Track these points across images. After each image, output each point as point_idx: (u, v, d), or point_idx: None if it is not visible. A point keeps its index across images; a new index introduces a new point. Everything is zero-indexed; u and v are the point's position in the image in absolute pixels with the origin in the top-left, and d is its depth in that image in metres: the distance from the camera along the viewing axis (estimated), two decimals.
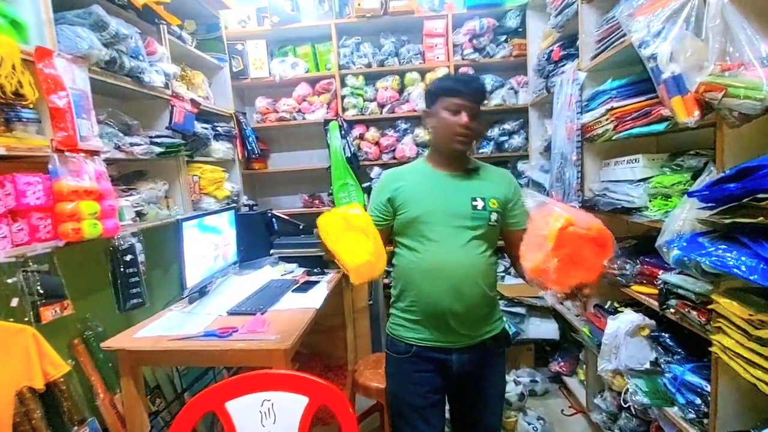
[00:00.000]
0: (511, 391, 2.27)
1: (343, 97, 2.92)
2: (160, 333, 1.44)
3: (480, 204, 1.18)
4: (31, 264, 1.20)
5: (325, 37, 2.89)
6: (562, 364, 2.48)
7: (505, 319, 2.46)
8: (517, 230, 1.20)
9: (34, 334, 1.12)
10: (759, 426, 1.09)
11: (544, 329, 2.53)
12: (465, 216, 1.17)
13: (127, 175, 1.84)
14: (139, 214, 1.70)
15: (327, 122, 2.84)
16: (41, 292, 1.20)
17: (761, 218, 0.85)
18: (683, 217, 1.12)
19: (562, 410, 2.31)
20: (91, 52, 1.37)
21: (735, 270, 0.91)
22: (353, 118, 2.92)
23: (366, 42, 2.90)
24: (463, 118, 1.14)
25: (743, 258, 0.91)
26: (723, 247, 0.96)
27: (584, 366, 2.18)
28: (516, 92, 2.88)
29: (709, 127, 1.09)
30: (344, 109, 2.92)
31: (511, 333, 2.46)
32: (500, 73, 2.90)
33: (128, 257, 1.50)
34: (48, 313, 1.20)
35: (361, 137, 2.97)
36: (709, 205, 1.01)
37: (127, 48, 1.58)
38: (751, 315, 0.95)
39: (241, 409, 1.06)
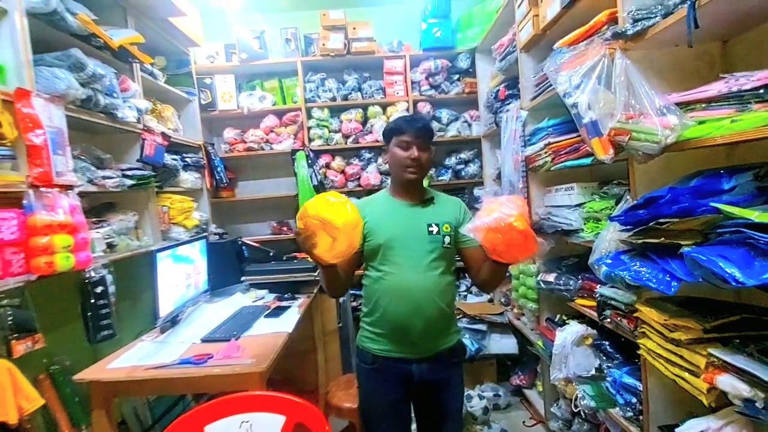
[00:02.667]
0: (476, 405, 2.37)
1: (309, 129, 3.06)
2: (134, 363, 1.44)
3: (435, 229, 1.34)
4: (2, 298, 1.20)
5: (292, 73, 3.06)
6: (522, 377, 2.62)
7: (465, 334, 2.63)
8: (470, 247, 1.35)
9: (10, 368, 1.11)
10: (685, 419, 1.25)
11: (504, 344, 2.66)
12: (423, 240, 1.33)
13: (97, 207, 1.86)
14: (110, 246, 1.71)
15: (294, 152, 2.96)
16: (12, 326, 1.20)
17: (662, 238, 1.04)
18: (608, 237, 1.31)
19: (524, 422, 2.44)
20: (68, 92, 1.43)
21: (648, 282, 1.08)
22: (319, 148, 3.07)
23: (330, 78, 3.08)
24: (414, 152, 1.31)
25: (654, 272, 1.08)
26: (639, 262, 1.14)
27: (542, 377, 2.33)
28: (470, 125, 3.14)
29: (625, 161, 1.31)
30: (311, 140, 3.06)
31: (473, 349, 2.59)
32: (455, 108, 3.18)
33: (99, 289, 1.51)
34: (20, 348, 1.20)
35: (327, 166, 3.11)
36: (627, 227, 1.19)
37: (102, 86, 1.65)
38: (666, 320, 1.11)
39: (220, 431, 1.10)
